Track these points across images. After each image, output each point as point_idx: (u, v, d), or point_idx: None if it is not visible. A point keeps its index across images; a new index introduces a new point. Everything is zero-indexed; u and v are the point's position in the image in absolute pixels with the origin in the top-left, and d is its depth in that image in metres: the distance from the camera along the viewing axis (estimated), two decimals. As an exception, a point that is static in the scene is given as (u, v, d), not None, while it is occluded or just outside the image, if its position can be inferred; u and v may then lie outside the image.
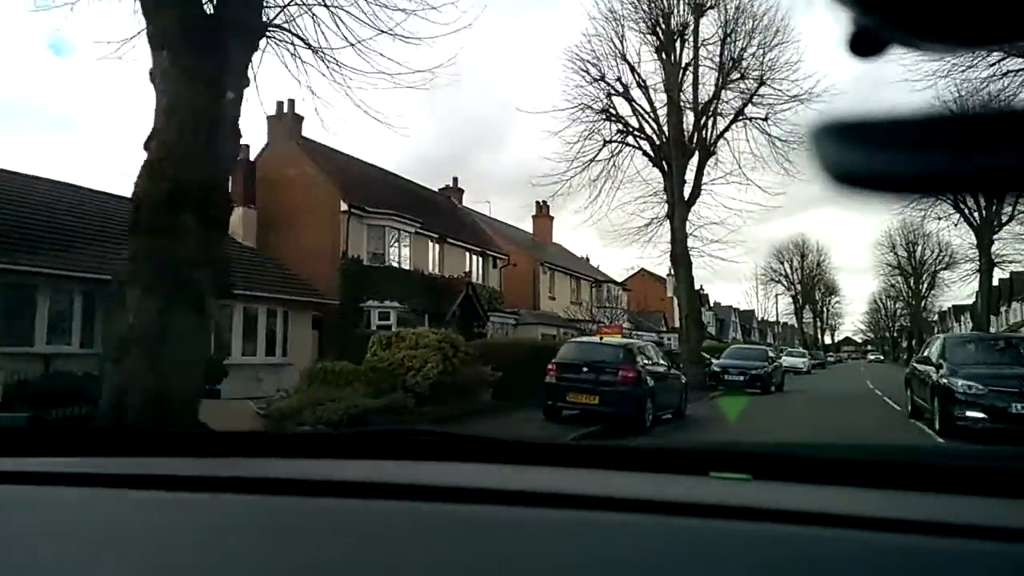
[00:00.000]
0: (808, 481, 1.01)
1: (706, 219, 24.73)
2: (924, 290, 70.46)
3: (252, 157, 21.81)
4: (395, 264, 22.36)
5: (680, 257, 22.95)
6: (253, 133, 28.95)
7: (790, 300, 79.13)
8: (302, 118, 22.56)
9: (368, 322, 20.70)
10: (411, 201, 25.04)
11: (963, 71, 15.86)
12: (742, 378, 22.43)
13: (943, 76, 16.23)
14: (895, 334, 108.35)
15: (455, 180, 31.43)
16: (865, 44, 0.46)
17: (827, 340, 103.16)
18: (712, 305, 76.41)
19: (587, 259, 47.57)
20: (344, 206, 20.73)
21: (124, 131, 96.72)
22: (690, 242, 23.85)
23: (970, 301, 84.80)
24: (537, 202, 41.97)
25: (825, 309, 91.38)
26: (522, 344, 17.90)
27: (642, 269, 71.21)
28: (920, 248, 69.17)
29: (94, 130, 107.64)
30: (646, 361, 13.00)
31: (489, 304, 27.86)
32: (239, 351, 16.70)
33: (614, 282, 44.12)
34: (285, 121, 22.19)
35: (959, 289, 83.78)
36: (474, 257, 27.97)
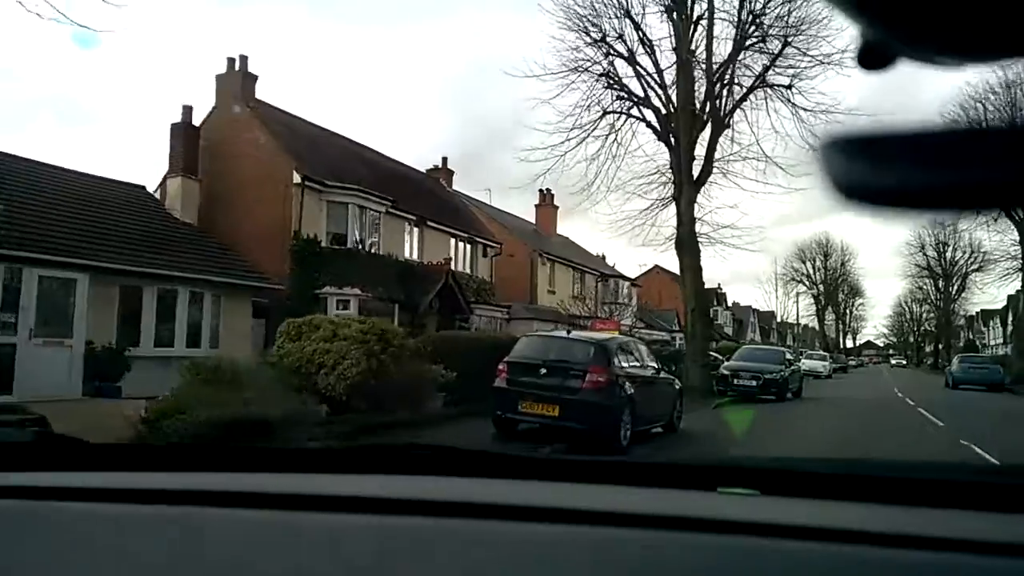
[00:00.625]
0: (816, 496, 0.99)
1: (717, 200, 21.70)
2: (954, 293, 66.55)
3: (198, 121, 19.09)
4: (360, 247, 19.52)
5: (686, 243, 19.89)
6: (200, 94, 25.66)
7: (811, 301, 75.50)
8: (255, 77, 19.73)
9: (325, 311, 17.88)
10: (384, 178, 22.17)
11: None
12: (755, 383, 19.32)
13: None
14: (919, 339, 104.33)
15: (444, 160, 28.54)
16: (874, 58, 0.47)
17: (848, 344, 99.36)
18: (730, 305, 73.12)
19: (603, 257, 44.60)
20: (297, 178, 17.91)
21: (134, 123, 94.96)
22: (699, 228, 20.82)
23: (1000, 305, 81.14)
24: (540, 191, 38.97)
25: (848, 311, 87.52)
26: (484, 339, 14.94)
27: (657, 266, 68.03)
28: (951, 249, 65.45)
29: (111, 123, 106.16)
30: (626, 362, 10.06)
31: (477, 296, 24.98)
32: (151, 341, 13.94)
33: (623, 277, 41.05)
34: (235, 80, 19.31)
35: (992, 291, 79.09)
36: (460, 244, 25.09)
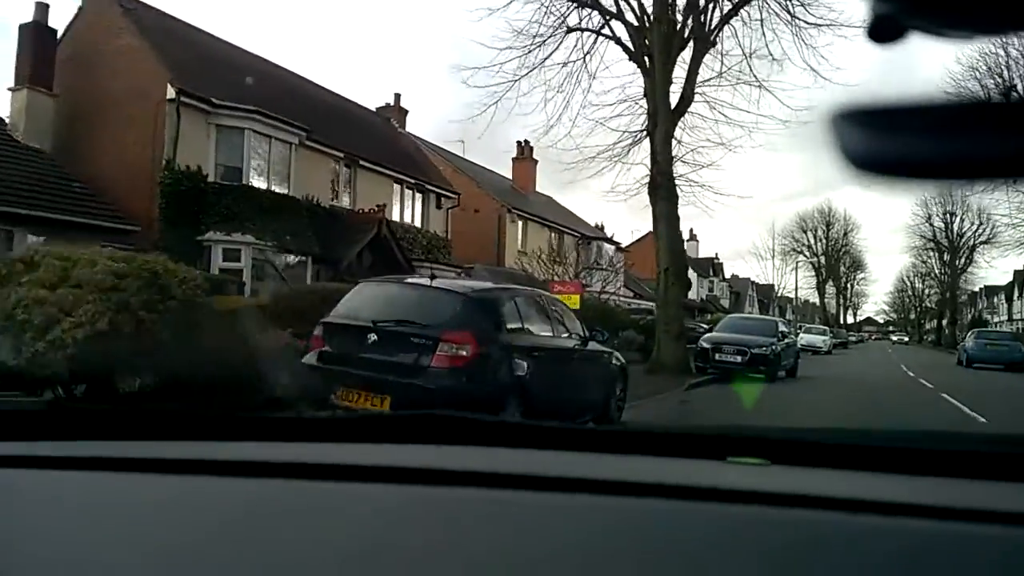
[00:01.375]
0: (826, 466, 0.99)
1: (700, 131, 17.87)
2: (961, 266, 62.57)
3: (63, 26, 15.28)
4: (260, 184, 15.77)
5: (662, 186, 16.07)
6: None
7: (812, 273, 71.50)
8: (133, -28, 15.92)
9: (209, 263, 14.22)
10: (308, 108, 18.34)
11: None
12: (739, 358, 15.66)
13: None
14: (920, 315, 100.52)
15: (397, 97, 24.60)
16: (884, 30, 0.46)
17: (849, 319, 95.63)
18: (728, 277, 69.27)
19: (600, 226, 40.69)
20: (171, 92, 14.11)
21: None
22: (678, 169, 17.03)
23: (1005, 281, 77.21)
24: (518, 143, 35.17)
25: (849, 286, 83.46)
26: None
27: (651, 233, 64.55)
28: (959, 220, 61.41)
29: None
30: (523, 327, 6.42)
31: (427, 252, 21.31)
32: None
33: (608, 240, 37.22)
34: (103, -26, 15.49)
35: (1000, 265, 74.61)
36: (407, 191, 21.34)
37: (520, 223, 28.83)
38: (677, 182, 16.68)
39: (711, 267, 62.43)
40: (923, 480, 0.91)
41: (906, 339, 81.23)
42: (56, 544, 0.79)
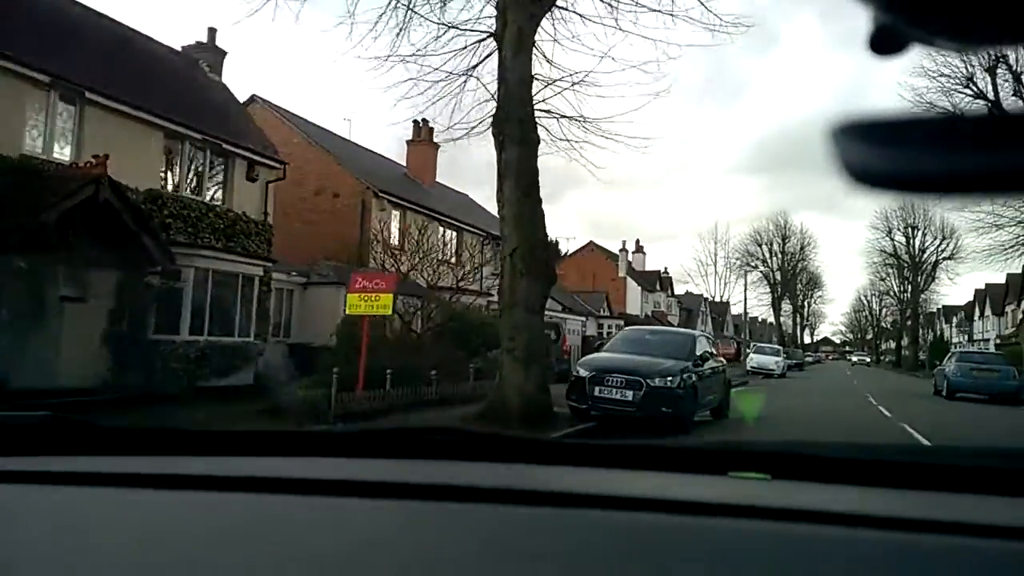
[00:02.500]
0: (827, 481, 0.98)
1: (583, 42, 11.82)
2: (923, 283, 57.78)
3: None
4: None
5: (512, 120, 9.93)
6: None
7: (767, 291, 66.22)
8: None
9: None
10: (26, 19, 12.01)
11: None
12: (630, 395, 9.60)
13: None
14: (878, 336, 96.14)
15: (211, 33, 18.05)
16: (886, 42, 0.46)
17: (806, 339, 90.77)
18: (681, 294, 63.58)
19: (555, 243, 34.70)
20: None
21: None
22: (541, 97, 10.93)
23: (964, 301, 72.77)
24: (415, 123, 28.94)
25: (806, 304, 78.44)
26: None
27: (591, 243, 58.38)
28: (921, 234, 56.74)
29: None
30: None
31: (228, 240, 14.98)
32: None
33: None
34: None
35: (964, 283, 69.52)
36: (193, 151, 15.00)
37: (398, 213, 22.57)
38: (539, 116, 10.53)
39: (658, 281, 56.57)
40: (923, 495, 0.91)
41: (867, 359, 75.79)
42: (49, 560, 0.78)
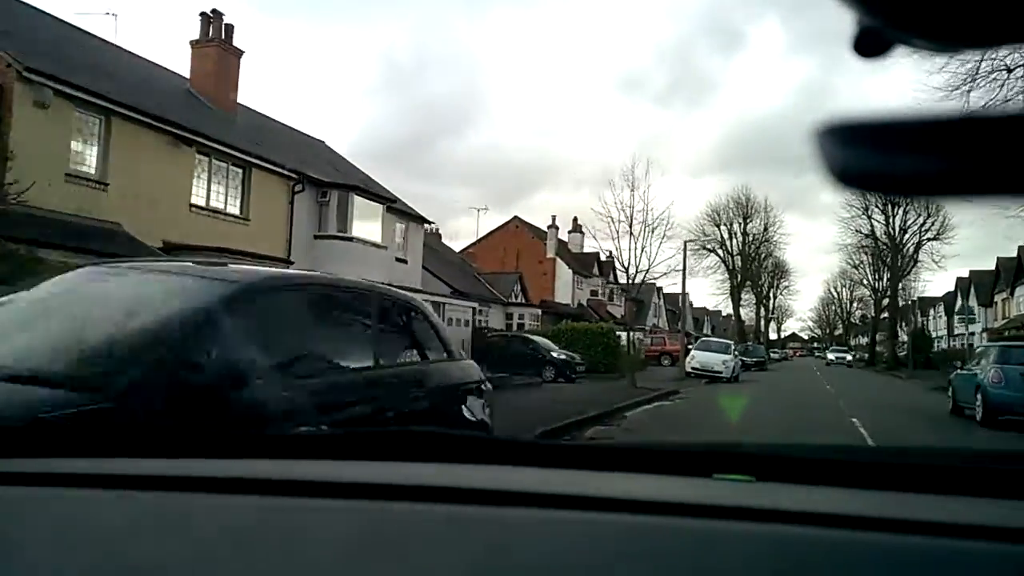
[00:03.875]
0: (811, 482, 0.97)
1: None
2: (903, 267, 49.64)
3: None
4: None
5: None
6: None
7: (725, 277, 57.61)
8: None
9: None
10: None
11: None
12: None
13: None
14: (848, 330, 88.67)
15: None
16: (870, 44, 0.46)
17: (772, 336, 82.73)
18: (631, 283, 55.05)
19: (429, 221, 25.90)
20: None
21: None
22: None
23: (941, 293, 65.02)
24: (202, 15, 19.92)
25: (772, 295, 69.94)
26: None
27: (516, 218, 49.27)
28: (902, 211, 48.65)
29: None
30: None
31: None
32: None
33: (381, 198, 22.21)
34: None
35: (948, 267, 60.42)
36: None
37: (99, 120, 13.48)
38: None
39: (596, 265, 47.69)
40: (908, 496, 0.91)
41: (847, 357, 58.93)
42: (47, 562, 0.78)
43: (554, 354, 23.06)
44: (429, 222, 26.24)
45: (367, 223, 20.98)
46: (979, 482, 0.94)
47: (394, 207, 23.49)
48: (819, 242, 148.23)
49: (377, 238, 21.29)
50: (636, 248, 23.08)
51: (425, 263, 28.07)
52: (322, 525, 0.82)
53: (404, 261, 24.45)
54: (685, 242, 28.74)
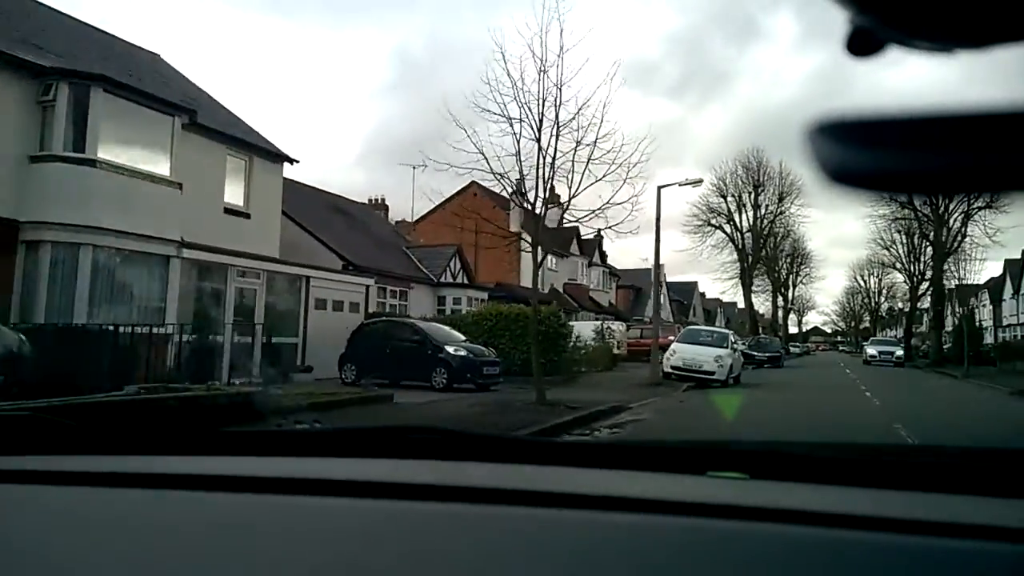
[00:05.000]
0: (805, 480, 0.98)
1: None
2: (949, 244, 41.03)
3: None
4: None
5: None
6: None
7: (735, 259, 48.99)
8: None
9: None
10: None
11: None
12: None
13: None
14: (875, 322, 79.84)
15: None
16: (863, 44, 0.46)
17: (792, 328, 73.91)
18: (620, 268, 46.94)
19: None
20: None
21: None
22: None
23: (983, 279, 55.98)
24: None
25: (791, 281, 60.89)
26: None
27: (474, 183, 40.84)
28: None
29: None
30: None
31: None
32: None
33: (230, 134, 14.38)
34: None
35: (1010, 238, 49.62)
36: None
37: None
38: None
39: (575, 242, 39.48)
40: (903, 495, 0.91)
41: (896, 352, 40.46)
42: (36, 559, 0.78)
43: (451, 349, 15.26)
44: (292, 160, 18.47)
45: (141, 146, 13.22)
46: (976, 480, 0.93)
47: (226, 134, 15.77)
48: (838, 234, 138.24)
49: (163, 170, 13.53)
50: (548, 151, 12.60)
51: (319, 227, 20.44)
52: (317, 523, 0.82)
53: (244, 215, 16.68)
54: (659, 187, 20.43)
